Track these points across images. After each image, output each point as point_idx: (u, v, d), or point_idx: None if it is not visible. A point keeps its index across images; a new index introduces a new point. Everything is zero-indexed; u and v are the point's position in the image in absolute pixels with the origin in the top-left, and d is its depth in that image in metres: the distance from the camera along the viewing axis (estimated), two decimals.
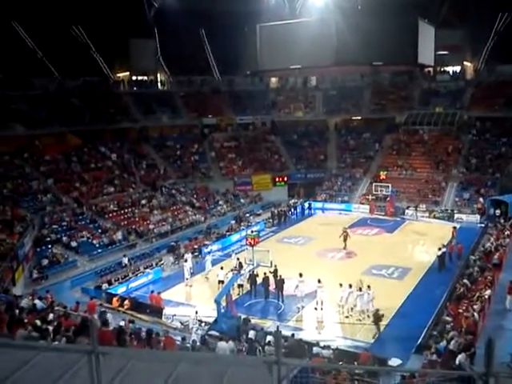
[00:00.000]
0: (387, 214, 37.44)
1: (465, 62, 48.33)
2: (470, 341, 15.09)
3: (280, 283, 21.99)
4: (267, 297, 22.25)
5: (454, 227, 30.62)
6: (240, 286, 23.09)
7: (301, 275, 21.72)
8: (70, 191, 33.65)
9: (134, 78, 50.19)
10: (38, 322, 12.06)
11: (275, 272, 22.53)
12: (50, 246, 27.26)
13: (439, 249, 25.80)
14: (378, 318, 18.23)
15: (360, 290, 20.00)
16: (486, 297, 19.10)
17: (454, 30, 42.81)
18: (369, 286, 20.08)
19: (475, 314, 17.25)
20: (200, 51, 49.52)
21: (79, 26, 43.51)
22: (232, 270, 23.57)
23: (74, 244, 28.22)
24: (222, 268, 24.00)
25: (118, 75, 49.17)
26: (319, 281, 20.83)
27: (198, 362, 4.80)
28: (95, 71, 45.97)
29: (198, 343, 15.51)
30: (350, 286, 20.18)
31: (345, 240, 28.94)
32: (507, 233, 28.97)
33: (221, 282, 22.89)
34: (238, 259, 24.70)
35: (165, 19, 44.11)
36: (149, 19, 46.80)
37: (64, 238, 28.40)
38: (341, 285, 20.49)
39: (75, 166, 36.54)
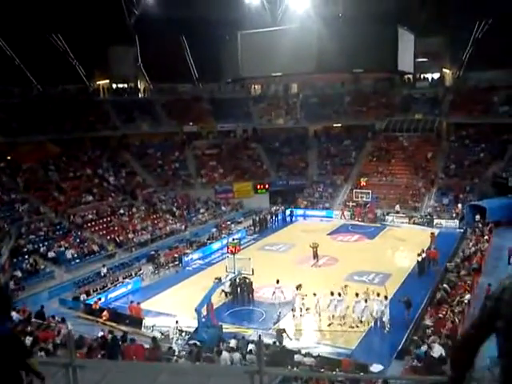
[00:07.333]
0: (367, 220, 37.69)
1: (444, 69, 48.99)
2: (450, 345, 15.19)
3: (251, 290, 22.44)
4: (249, 305, 22.14)
5: (432, 233, 30.91)
6: (225, 293, 23.04)
7: (278, 282, 21.80)
8: (48, 201, 33.11)
9: (114, 85, 49.75)
10: None
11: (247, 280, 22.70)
12: (26, 257, 26.70)
13: (419, 254, 26.00)
14: (409, 304, 19.46)
15: (339, 295, 20.03)
16: (466, 301, 19.30)
17: (433, 37, 43.40)
18: (357, 294, 20.12)
19: (455, 318, 17.42)
20: (181, 59, 49.35)
21: (58, 34, 43.03)
22: (216, 279, 23.40)
23: (51, 254, 27.67)
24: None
25: (98, 83, 48.69)
26: (297, 287, 20.81)
27: (178, 373, 4.70)
28: (74, 79, 45.40)
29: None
30: (332, 293, 20.13)
31: (315, 256, 28.25)
32: (486, 237, 29.38)
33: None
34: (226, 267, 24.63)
35: (145, 27, 43.85)
36: (129, 27, 46.49)
37: (42, 249, 27.91)
38: (332, 293, 20.28)
39: (53, 175, 35.99)
